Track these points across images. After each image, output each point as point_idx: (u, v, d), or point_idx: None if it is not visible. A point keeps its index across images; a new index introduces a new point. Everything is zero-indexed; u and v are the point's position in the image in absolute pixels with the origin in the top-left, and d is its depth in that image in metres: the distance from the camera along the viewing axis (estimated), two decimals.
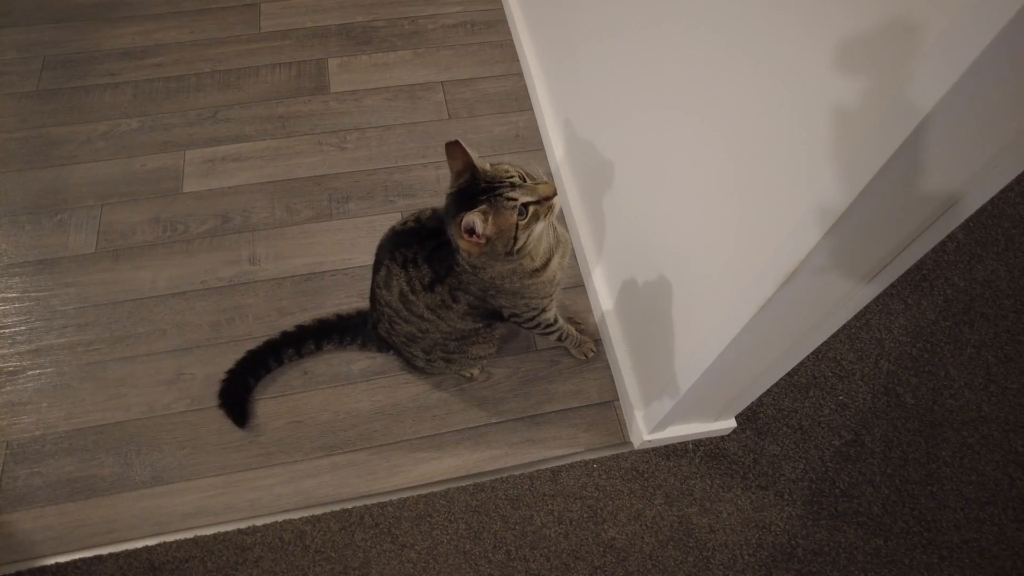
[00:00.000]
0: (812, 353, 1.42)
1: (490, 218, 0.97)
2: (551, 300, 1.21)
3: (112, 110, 1.80)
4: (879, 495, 1.36)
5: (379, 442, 1.38)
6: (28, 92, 1.81)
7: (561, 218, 1.10)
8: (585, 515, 1.31)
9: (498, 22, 2.02)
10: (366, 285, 1.55)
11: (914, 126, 0.55)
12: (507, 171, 1.01)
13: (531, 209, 0.98)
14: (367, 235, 1.62)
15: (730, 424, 1.37)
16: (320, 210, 1.66)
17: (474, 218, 0.95)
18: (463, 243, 1.00)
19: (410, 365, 1.38)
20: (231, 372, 1.37)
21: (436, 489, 1.32)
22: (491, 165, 1.02)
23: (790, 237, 0.76)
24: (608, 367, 1.47)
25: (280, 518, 1.29)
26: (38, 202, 1.64)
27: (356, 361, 1.46)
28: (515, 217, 0.97)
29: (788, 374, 1.47)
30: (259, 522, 1.28)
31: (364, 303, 1.53)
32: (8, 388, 1.41)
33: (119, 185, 1.67)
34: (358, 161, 1.73)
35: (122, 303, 1.51)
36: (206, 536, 1.26)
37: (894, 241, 0.84)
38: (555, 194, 1.01)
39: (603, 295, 1.49)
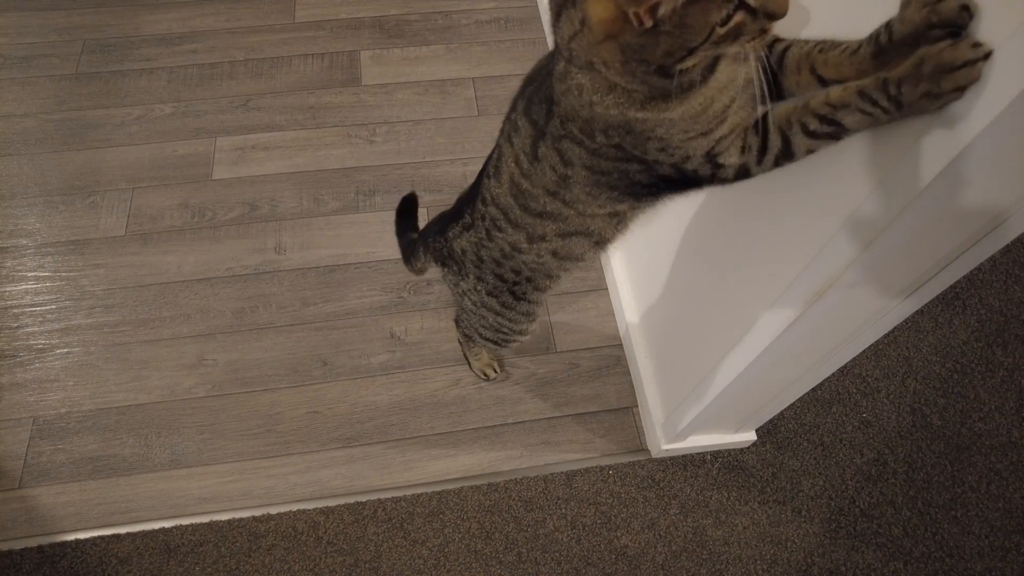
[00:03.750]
0: (837, 369, 1.40)
1: None
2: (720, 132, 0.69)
3: (147, 95, 1.82)
4: (900, 517, 1.33)
5: (395, 436, 1.38)
6: (67, 75, 1.84)
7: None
8: (598, 521, 1.30)
9: (532, 19, 2.00)
10: (390, 279, 1.56)
11: (963, 146, 0.53)
12: None
13: (737, 18, 0.57)
14: (392, 229, 1.62)
15: (750, 437, 1.35)
16: (347, 202, 1.66)
17: None
18: (604, 4, 0.58)
19: (457, 300, 1.16)
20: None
21: (450, 487, 1.32)
22: None
23: (824, 252, 0.74)
24: (628, 372, 1.46)
25: (294, 507, 1.30)
26: (73, 183, 1.66)
27: (376, 355, 1.46)
28: (720, 15, 0.56)
29: (811, 389, 1.44)
30: (273, 510, 1.29)
31: (386, 296, 1.54)
32: (37, 365, 1.43)
33: (150, 169, 1.69)
34: (386, 155, 1.73)
35: (148, 286, 1.53)
36: (221, 521, 1.28)
37: (933, 260, 0.81)
38: (784, 13, 0.59)
39: (627, 300, 1.48)
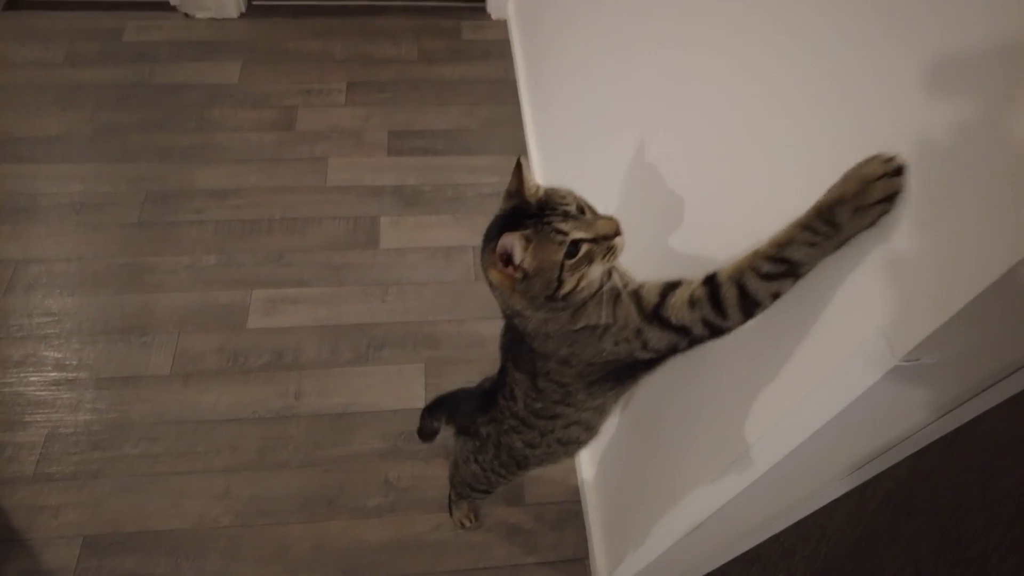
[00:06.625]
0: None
1: (531, 247, 0.81)
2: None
3: (196, 245, 2.16)
4: None
5: (383, 572, 1.64)
6: (131, 223, 2.18)
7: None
8: None
9: None
10: (388, 428, 1.85)
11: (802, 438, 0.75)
12: (563, 198, 0.86)
13: (584, 248, 0.81)
14: (395, 381, 1.92)
15: None
16: (359, 354, 1.97)
17: (513, 241, 0.79)
18: (495, 273, 0.85)
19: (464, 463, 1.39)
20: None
21: None
22: (546, 190, 0.88)
23: (719, 479, 0.97)
24: (584, 527, 1.73)
25: None
26: (130, 323, 1.98)
27: (372, 497, 1.74)
28: (561, 254, 0.80)
29: None
30: None
31: (384, 444, 1.83)
32: (89, 488, 1.71)
33: (195, 315, 2.01)
34: (395, 313, 2.05)
35: (187, 422, 1.82)
36: None
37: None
38: (618, 233, 0.83)
39: (584, 463, 1.76)
